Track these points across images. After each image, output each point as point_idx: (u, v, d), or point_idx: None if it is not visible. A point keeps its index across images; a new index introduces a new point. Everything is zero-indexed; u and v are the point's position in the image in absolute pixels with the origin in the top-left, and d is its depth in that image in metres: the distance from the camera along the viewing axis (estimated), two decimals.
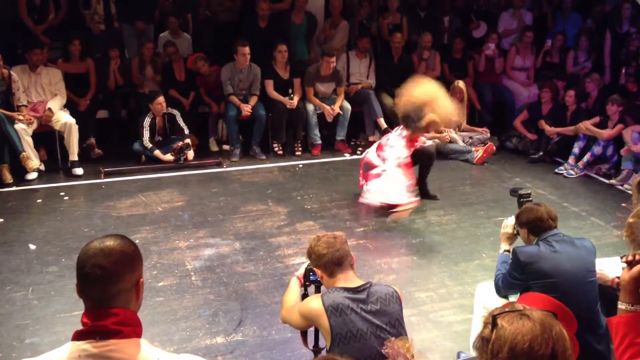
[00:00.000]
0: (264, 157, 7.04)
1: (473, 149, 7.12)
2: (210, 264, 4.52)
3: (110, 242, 1.61)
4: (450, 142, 7.16)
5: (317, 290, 2.74)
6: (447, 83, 7.55)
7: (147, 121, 6.55)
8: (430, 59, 7.98)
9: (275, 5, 7.59)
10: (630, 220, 2.27)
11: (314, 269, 2.60)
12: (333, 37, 7.85)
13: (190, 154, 6.60)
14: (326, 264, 2.51)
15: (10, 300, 3.95)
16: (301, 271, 2.77)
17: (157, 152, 6.52)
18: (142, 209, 5.51)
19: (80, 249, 1.67)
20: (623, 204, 5.37)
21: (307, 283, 2.74)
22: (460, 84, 7.32)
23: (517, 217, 3.12)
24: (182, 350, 3.44)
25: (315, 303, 2.44)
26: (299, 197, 5.86)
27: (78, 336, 1.56)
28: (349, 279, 2.50)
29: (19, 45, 6.81)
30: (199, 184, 6.24)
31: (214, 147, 7.30)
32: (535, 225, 3.00)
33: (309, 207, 5.62)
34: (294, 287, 2.76)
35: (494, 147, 7.12)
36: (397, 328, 2.41)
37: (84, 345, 1.53)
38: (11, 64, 6.35)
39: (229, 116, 6.99)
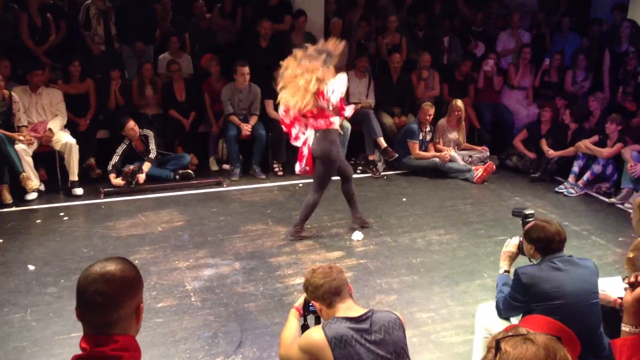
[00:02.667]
0: (263, 177, 7.04)
1: (473, 167, 7.13)
2: (210, 284, 4.49)
3: (111, 267, 1.59)
4: (450, 160, 7.17)
5: (317, 320, 2.68)
6: (445, 103, 7.63)
7: (120, 148, 6.59)
8: (429, 79, 8.02)
9: (276, 26, 7.65)
10: (630, 255, 2.25)
11: (312, 302, 2.53)
12: None
13: (142, 177, 6.47)
14: (324, 295, 2.45)
15: (9, 321, 3.91)
16: (300, 301, 2.70)
17: (111, 177, 6.51)
18: (142, 229, 5.49)
19: (80, 272, 1.66)
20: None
21: (306, 313, 2.67)
22: (459, 102, 7.36)
23: (527, 233, 3.04)
24: None
25: (316, 335, 2.36)
26: (298, 217, 5.83)
27: None
28: (350, 308, 2.44)
29: (19, 66, 6.85)
30: (199, 203, 6.23)
31: (214, 167, 7.31)
32: (545, 245, 2.95)
33: (308, 226, 5.60)
34: (292, 322, 2.67)
35: (494, 166, 7.13)
36: (402, 357, 2.36)
37: None
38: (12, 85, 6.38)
39: (229, 136, 7.00)
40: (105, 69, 7.07)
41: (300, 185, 6.86)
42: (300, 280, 4.51)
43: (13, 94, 6.18)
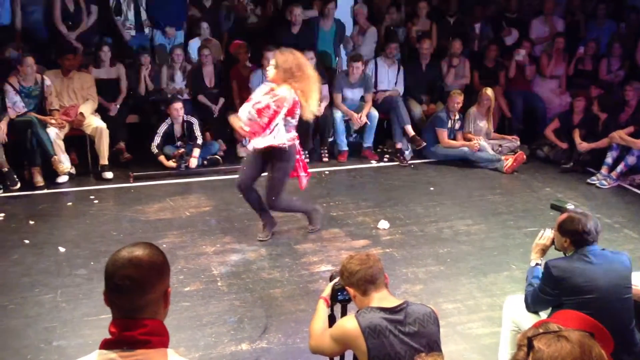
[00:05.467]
0: None
1: (503, 157, 7.01)
2: (236, 269, 4.52)
3: (139, 252, 1.60)
4: (480, 150, 7.07)
5: (343, 310, 2.66)
6: (476, 91, 7.51)
7: (162, 128, 6.63)
8: (459, 66, 7.89)
9: (306, 12, 7.60)
10: None
11: (347, 288, 2.51)
12: (361, 44, 7.84)
13: (193, 161, 6.56)
14: (359, 282, 2.42)
15: (39, 302, 4.00)
16: (327, 291, 2.67)
17: (161, 158, 6.57)
18: (170, 213, 5.54)
19: (109, 256, 1.66)
20: None
21: (333, 303, 2.65)
22: (488, 91, 7.23)
23: (561, 225, 2.96)
24: (207, 356, 3.44)
25: (350, 324, 2.33)
26: (324, 204, 5.82)
27: (106, 345, 1.56)
28: (384, 299, 2.41)
29: (52, 50, 6.94)
30: (226, 189, 6.25)
31: (242, 154, 7.31)
32: (580, 237, 2.87)
33: (334, 214, 5.59)
34: (322, 313, 2.64)
35: (525, 156, 7.00)
36: (435, 350, 2.32)
37: (112, 355, 1.53)
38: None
39: None
40: (136, 54, 7.12)
41: (327, 172, 6.85)
42: (325, 267, 4.52)
43: (45, 77, 6.28)
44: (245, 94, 7.17)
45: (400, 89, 7.63)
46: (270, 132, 4.51)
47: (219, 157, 6.91)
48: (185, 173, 6.55)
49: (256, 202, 4.97)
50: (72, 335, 3.63)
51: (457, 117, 7.20)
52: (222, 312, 3.92)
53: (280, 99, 4.43)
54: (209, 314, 3.90)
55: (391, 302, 2.41)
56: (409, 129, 7.20)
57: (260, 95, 4.55)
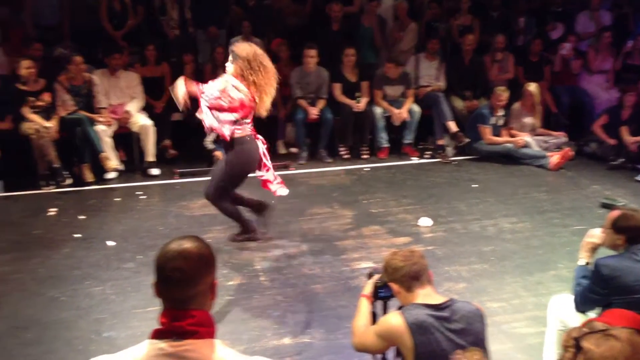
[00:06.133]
0: (330, 160, 7.06)
1: (548, 154, 6.86)
2: (278, 264, 4.57)
3: (188, 245, 1.64)
4: (524, 146, 6.94)
5: (384, 308, 2.66)
6: (520, 86, 7.37)
7: None
8: (503, 61, 7.76)
9: (345, 8, 7.61)
10: None
11: (390, 284, 2.49)
12: (401, 40, 7.80)
13: None
14: (403, 278, 2.41)
15: (90, 294, 4.13)
16: (368, 289, 2.66)
17: (217, 153, 6.66)
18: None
19: (158, 249, 1.70)
20: None
21: (375, 300, 2.64)
22: (531, 87, 7.07)
23: (615, 222, 2.88)
24: (251, 349, 3.49)
25: (395, 320, 2.32)
26: (364, 201, 5.83)
27: (156, 335, 1.60)
28: (429, 295, 2.40)
29: (99, 50, 7.14)
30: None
31: (282, 150, 7.39)
32: (637, 234, 2.80)
33: (375, 211, 5.59)
34: (364, 311, 2.63)
35: (571, 152, 6.83)
36: (481, 349, 2.29)
37: (161, 344, 1.57)
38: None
39: (297, 119, 7.06)
40: (180, 53, 7.26)
41: (367, 169, 6.84)
42: (366, 264, 4.52)
43: (93, 76, 6.47)
44: (285, 91, 7.25)
45: (442, 84, 7.55)
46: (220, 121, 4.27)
47: None
48: None
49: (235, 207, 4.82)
50: (121, 326, 3.73)
51: (501, 113, 7.08)
52: (265, 307, 3.97)
53: (232, 98, 4.19)
54: (252, 308, 3.95)
55: (436, 299, 2.39)
56: (451, 125, 7.13)
57: (214, 88, 4.24)
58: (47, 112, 6.20)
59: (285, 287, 4.22)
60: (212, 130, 4.35)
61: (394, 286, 2.47)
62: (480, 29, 8.05)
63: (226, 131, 4.26)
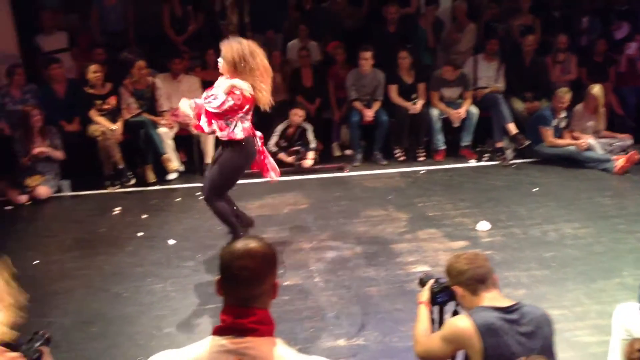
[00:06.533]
0: (385, 163, 7.04)
1: (613, 157, 6.60)
2: (332, 266, 4.59)
3: (253, 245, 1.68)
4: (588, 149, 6.70)
5: (441, 312, 2.63)
6: (583, 87, 7.12)
7: (280, 127, 6.83)
8: (565, 62, 7.53)
9: (402, 10, 7.58)
10: None
11: (454, 288, 2.46)
12: (459, 41, 7.69)
13: (308, 163, 6.74)
14: (468, 281, 2.38)
15: (151, 291, 4.27)
16: (426, 295, 2.63)
17: (281, 155, 6.76)
18: (269, 210, 5.73)
19: (222, 249, 1.75)
20: None
21: (433, 306, 2.62)
22: (595, 89, 6.81)
23: None
24: (306, 350, 3.52)
25: (463, 323, 2.29)
26: (420, 204, 5.78)
27: (218, 332, 1.65)
28: (496, 298, 2.36)
29: (160, 55, 7.37)
30: (322, 187, 6.37)
31: (337, 152, 7.42)
32: None
33: (431, 214, 5.53)
34: (424, 318, 2.59)
35: (637, 156, 6.55)
36: (548, 354, 2.25)
37: (223, 341, 1.61)
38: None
39: (352, 121, 7.07)
40: None
41: (423, 171, 6.77)
42: (422, 268, 4.47)
43: (156, 80, 6.69)
44: (341, 93, 7.29)
45: (502, 85, 7.40)
46: (228, 124, 4.21)
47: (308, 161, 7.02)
48: (301, 170, 6.75)
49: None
50: (181, 323, 3.84)
51: (564, 114, 6.86)
52: (320, 307, 4.00)
53: (237, 89, 4.08)
54: (307, 309, 3.99)
55: (504, 302, 2.35)
56: (511, 127, 6.97)
57: (219, 94, 4.13)
58: (112, 115, 6.47)
59: (340, 289, 4.24)
60: (214, 133, 4.31)
61: (458, 290, 2.44)
62: (542, 29, 7.84)
63: (238, 133, 4.20)
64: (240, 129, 4.21)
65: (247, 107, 4.17)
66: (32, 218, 5.73)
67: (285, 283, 4.31)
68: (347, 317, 3.88)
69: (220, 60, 4.17)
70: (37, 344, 1.35)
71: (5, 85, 6.56)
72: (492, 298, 2.36)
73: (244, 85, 4.07)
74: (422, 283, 2.71)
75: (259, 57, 4.16)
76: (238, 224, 4.64)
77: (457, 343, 2.33)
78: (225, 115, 4.15)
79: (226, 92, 4.05)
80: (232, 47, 4.10)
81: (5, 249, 4.92)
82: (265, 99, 4.22)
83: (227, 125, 4.20)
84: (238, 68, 4.07)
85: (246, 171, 4.56)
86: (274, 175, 4.62)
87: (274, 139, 6.83)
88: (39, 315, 3.70)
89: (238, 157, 4.33)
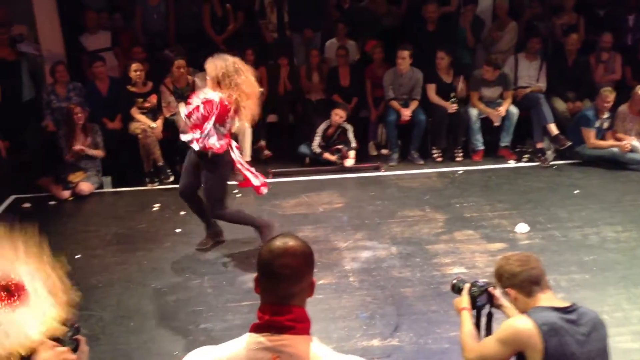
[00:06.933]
0: (422, 163, 6.98)
1: None
2: (367, 266, 4.58)
3: (293, 243, 1.68)
4: (631, 150, 6.51)
5: (478, 316, 2.59)
6: (628, 88, 6.92)
7: (322, 128, 6.86)
8: (609, 61, 7.32)
9: (442, 9, 7.50)
10: None
11: (507, 290, 2.41)
12: (500, 39, 7.56)
13: (347, 161, 6.74)
14: (522, 283, 2.35)
15: (188, 287, 4.34)
16: (466, 300, 2.57)
17: (326, 155, 6.78)
18: (305, 208, 5.75)
19: (261, 247, 1.74)
20: None
21: (473, 310, 2.57)
22: None
23: None
24: (340, 349, 3.47)
25: (523, 322, 2.25)
26: (457, 205, 5.71)
27: (255, 329, 1.66)
28: (552, 299, 2.33)
29: (201, 54, 7.47)
30: (358, 187, 6.37)
31: (373, 151, 7.39)
32: None
33: (468, 215, 5.46)
34: (469, 324, 2.53)
35: None
36: (603, 356, 2.24)
37: (260, 338, 1.62)
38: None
39: (389, 121, 7.04)
40: (276, 56, 7.45)
41: (461, 172, 6.69)
42: (458, 270, 4.43)
43: (196, 79, 6.79)
44: (378, 92, 7.26)
45: (543, 85, 7.25)
46: (201, 134, 4.31)
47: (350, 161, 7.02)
48: (339, 169, 6.76)
49: (198, 210, 4.86)
50: (217, 319, 3.90)
51: (607, 115, 6.68)
52: (354, 307, 4.00)
53: (209, 102, 4.24)
54: (342, 308, 3.99)
55: (560, 302, 2.33)
56: (552, 127, 6.82)
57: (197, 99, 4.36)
58: (153, 113, 6.60)
59: (375, 289, 4.23)
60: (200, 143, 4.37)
61: (511, 292, 2.40)
62: (585, 27, 7.64)
63: (214, 144, 4.30)
64: (215, 140, 4.31)
65: (225, 119, 4.28)
66: (74, 213, 5.90)
67: (320, 282, 4.33)
68: (381, 317, 3.87)
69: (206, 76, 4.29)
70: (70, 333, 1.40)
71: (51, 84, 6.76)
72: (547, 299, 2.33)
73: (219, 97, 4.20)
74: (456, 289, 2.66)
75: (244, 74, 4.29)
76: (257, 220, 4.79)
77: (517, 344, 2.27)
78: (196, 125, 4.28)
79: (202, 101, 4.24)
80: (217, 64, 4.24)
81: (48, 243, 5.08)
82: (247, 115, 4.37)
83: (204, 135, 4.30)
84: (222, 84, 4.22)
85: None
86: (264, 190, 4.74)
87: (317, 139, 6.86)
88: (79, 308, 3.80)
89: (218, 169, 4.48)
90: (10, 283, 1.38)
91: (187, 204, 4.89)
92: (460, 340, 2.53)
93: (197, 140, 4.33)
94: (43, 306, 1.41)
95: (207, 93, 4.30)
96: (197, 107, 4.26)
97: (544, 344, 2.18)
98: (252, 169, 4.72)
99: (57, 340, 1.38)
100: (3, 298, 1.35)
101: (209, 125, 4.26)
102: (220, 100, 4.20)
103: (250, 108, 4.33)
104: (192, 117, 4.29)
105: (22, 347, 1.34)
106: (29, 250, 1.49)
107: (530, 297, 2.34)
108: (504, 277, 2.42)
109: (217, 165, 4.44)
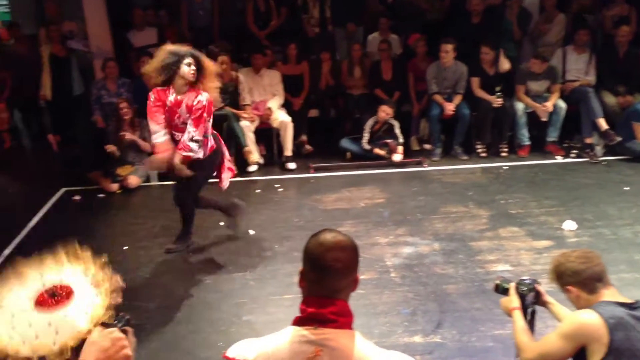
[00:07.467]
0: (466, 158, 6.89)
1: None
2: (409, 262, 4.55)
3: (340, 237, 1.69)
4: None
5: (526, 314, 2.53)
6: None
7: (369, 124, 6.85)
8: None
9: (487, 1, 7.36)
10: None
11: (569, 288, 2.37)
12: (548, 32, 7.37)
13: (395, 156, 6.71)
14: (586, 280, 2.31)
15: (231, 279, 4.41)
16: (516, 300, 2.52)
17: (376, 150, 6.76)
18: (346, 203, 5.75)
19: (308, 240, 1.72)
20: None
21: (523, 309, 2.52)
22: None
23: None
24: (381, 344, 3.43)
25: (591, 316, 2.22)
26: (502, 201, 5.61)
27: (298, 322, 1.67)
28: (616, 295, 2.30)
29: (244, 49, 7.56)
30: (400, 182, 6.32)
31: (415, 146, 7.33)
32: None
33: (513, 211, 5.36)
34: (522, 324, 2.47)
35: None
36: None
37: (304, 331, 1.64)
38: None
39: (432, 115, 6.96)
40: (318, 51, 7.46)
41: (506, 167, 6.57)
42: (503, 267, 4.36)
43: (239, 75, 6.87)
44: (421, 86, 7.19)
45: (592, 78, 7.03)
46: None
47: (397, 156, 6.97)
48: (356, 165, 6.78)
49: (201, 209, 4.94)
50: (260, 311, 3.95)
51: None
52: (396, 303, 3.99)
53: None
54: (383, 304, 3.98)
55: (625, 298, 2.30)
56: (602, 122, 6.62)
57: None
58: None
59: (417, 285, 4.20)
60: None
61: (573, 289, 2.36)
62: (637, 19, 7.37)
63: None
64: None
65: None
66: (122, 206, 6.06)
67: (361, 277, 4.23)
68: (423, 314, 3.85)
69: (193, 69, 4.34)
70: (120, 324, 1.45)
71: (101, 79, 6.96)
72: (612, 294, 2.30)
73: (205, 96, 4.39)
74: (500, 289, 2.61)
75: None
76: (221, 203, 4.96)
77: (582, 338, 2.23)
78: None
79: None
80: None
81: (98, 234, 5.25)
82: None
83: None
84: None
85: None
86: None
87: (366, 136, 6.85)
88: (127, 299, 3.89)
89: (210, 164, 4.66)
90: (55, 287, 1.45)
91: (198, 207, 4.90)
92: (515, 340, 2.47)
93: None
94: (89, 298, 1.46)
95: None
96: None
97: (610, 337, 2.15)
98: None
99: (105, 325, 1.43)
100: (51, 303, 1.42)
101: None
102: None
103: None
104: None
105: (72, 339, 1.39)
106: (69, 251, 1.55)
107: (592, 294, 2.31)
108: (565, 275, 2.38)
109: (211, 162, 4.63)
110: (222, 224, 5.36)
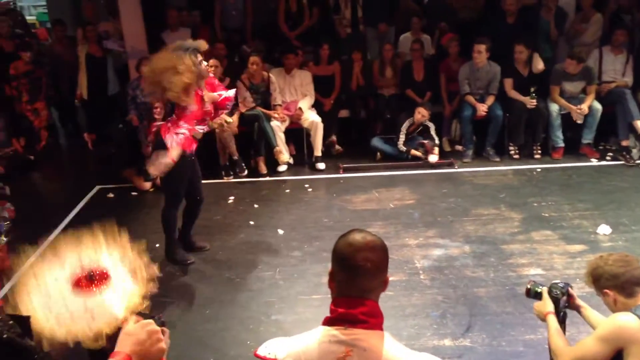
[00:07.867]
0: (498, 159, 6.80)
1: None
2: (438, 264, 4.52)
3: (370, 237, 1.69)
4: None
5: (559, 318, 2.50)
6: None
7: (405, 126, 6.82)
8: None
9: (523, 1, 7.25)
10: None
11: (605, 291, 2.34)
12: (584, 32, 7.22)
13: (431, 157, 6.68)
14: (625, 284, 2.30)
15: (260, 278, 4.44)
16: (550, 305, 2.49)
17: (413, 152, 6.73)
18: (376, 204, 5.73)
19: (337, 241, 1.72)
20: None
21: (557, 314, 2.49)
22: None
23: None
24: (409, 347, 3.38)
25: (627, 319, 2.21)
26: (535, 204, 5.52)
27: (328, 322, 1.68)
28: None
29: (276, 49, 7.59)
30: (430, 183, 6.27)
31: (447, 147, 7.26)
32: None
33: (546, 215, 5.27)
34: (557, 327, 2.46)
35: None
36: None
37: (334, 331, 1.64)
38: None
39: (464, 116, 6.88)
40: (350, 51, 7.45)
41: (539, 170, 6.46)
42: (535, 271, 4.29)
43: (271, 75, 6.90)
44: (453, 87, 7.11)
45: (629, 80, 6.86)
46: None
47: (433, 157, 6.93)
48: (386, 166, 6.75)
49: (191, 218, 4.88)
50: (288, 311, 3.97)
51: None
52: (425, 305, 3.96)
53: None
54: (412, 306, 3.96)
55: None
56: (638, 124, 6.47)
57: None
58: (230, 108, 6.75)
59: (446, 288, 4.17)
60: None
61: (610, 293, 2.34)
62: None
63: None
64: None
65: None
66: (154, 204, 6.11)
67: (390, 279, 4.25)
68: (453, 317, 3.81)
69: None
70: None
71: (136, 79, 7.07)
72: None
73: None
74: (532, 293, 2.57)
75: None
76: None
77: (619, 341, 2.22)
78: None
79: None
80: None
81: (130, 232, 5.32)
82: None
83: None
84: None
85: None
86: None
87: (402, 138, 6.82)
88: (159, 296, 3.97)
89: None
90: (93, 271, 1.47)
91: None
92: (550, 345, 2.44)
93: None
94: (125, 285, 1.48)
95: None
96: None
97: None
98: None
99: (141, 315, 1.46)
100: (88, 285, 1.44)
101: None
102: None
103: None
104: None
105: (108, 326, 1.42)
106: (108, 238, 1.58)
107: (630, 298, 2.29)
108: (603, 278, 2.35)
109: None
110: (251, 223, 5.41)
